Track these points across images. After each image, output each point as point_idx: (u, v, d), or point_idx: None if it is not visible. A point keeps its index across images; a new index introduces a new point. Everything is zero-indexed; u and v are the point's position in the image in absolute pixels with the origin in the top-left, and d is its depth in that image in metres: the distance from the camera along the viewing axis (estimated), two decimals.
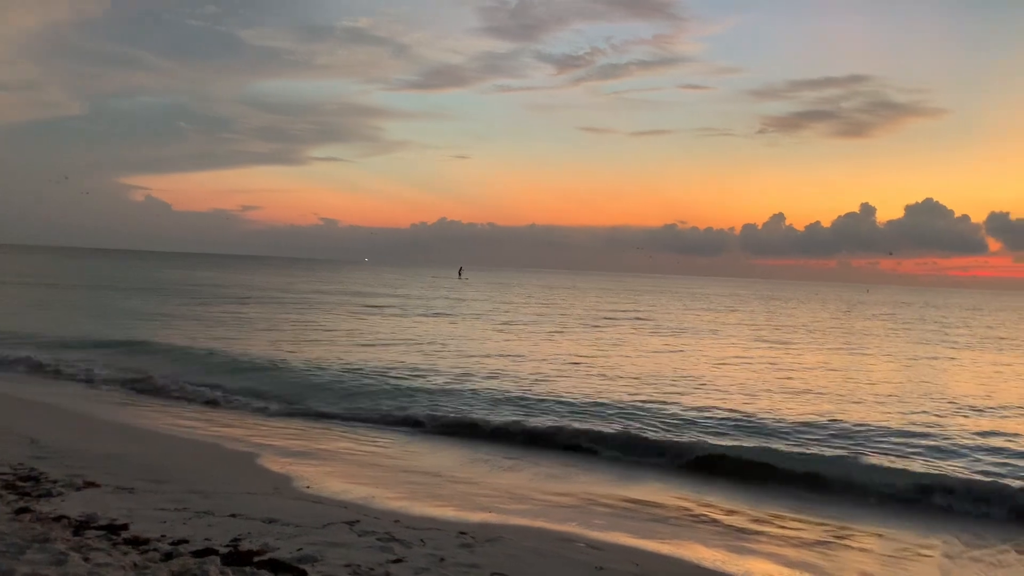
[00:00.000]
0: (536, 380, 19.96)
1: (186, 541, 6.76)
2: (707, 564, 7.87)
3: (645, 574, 7.14)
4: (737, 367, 25.06)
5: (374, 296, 59.79)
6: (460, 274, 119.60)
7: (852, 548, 8.86)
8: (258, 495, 8.92)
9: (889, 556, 8.67)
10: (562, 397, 17.46)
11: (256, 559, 6.39)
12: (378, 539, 7.31)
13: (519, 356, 25.23)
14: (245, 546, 6.74)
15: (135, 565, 6.03)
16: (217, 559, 6.29)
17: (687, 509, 10.09)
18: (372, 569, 6.42)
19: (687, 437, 13.86)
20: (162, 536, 6.87)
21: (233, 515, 7.75)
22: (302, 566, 6.31)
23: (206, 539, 6.86)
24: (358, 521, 7.92)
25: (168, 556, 6.32)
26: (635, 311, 55.83)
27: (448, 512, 9.02)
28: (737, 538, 8.92)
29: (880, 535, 9.40)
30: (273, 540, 6.97)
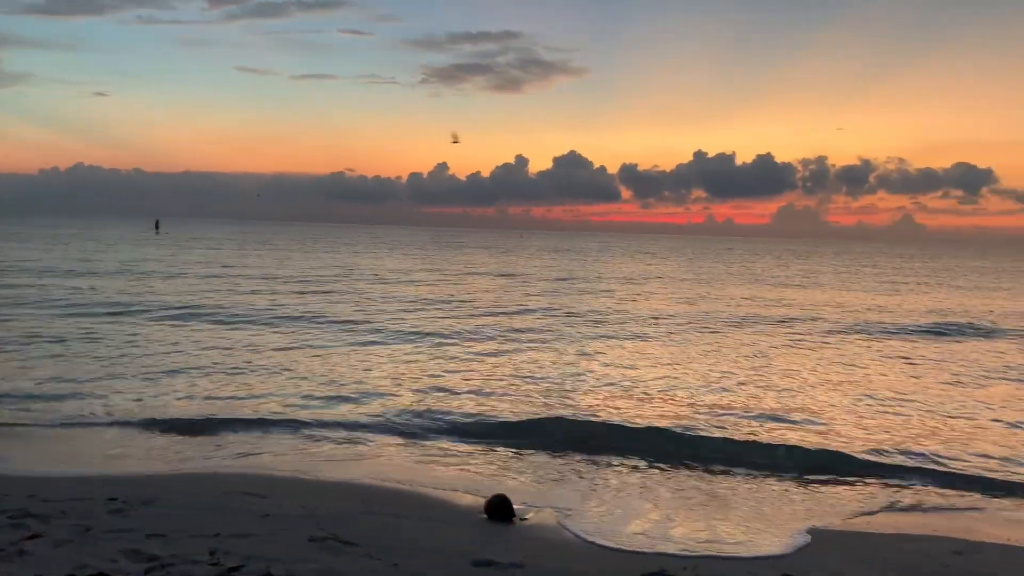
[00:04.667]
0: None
1: None
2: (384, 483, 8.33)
3: (311, 513, 7.20)
4: None
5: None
6: (157, 228, 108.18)
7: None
8: None
9: None
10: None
11: None
12: (9, 517, 6.53)
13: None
14: None
15: None
16: None
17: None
18: (2, 550, 5.74)
19: None
20: None
21: None
22: None
23: None
24: None
25: None
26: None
27: (98, 477, 8.30)
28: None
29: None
30: None
